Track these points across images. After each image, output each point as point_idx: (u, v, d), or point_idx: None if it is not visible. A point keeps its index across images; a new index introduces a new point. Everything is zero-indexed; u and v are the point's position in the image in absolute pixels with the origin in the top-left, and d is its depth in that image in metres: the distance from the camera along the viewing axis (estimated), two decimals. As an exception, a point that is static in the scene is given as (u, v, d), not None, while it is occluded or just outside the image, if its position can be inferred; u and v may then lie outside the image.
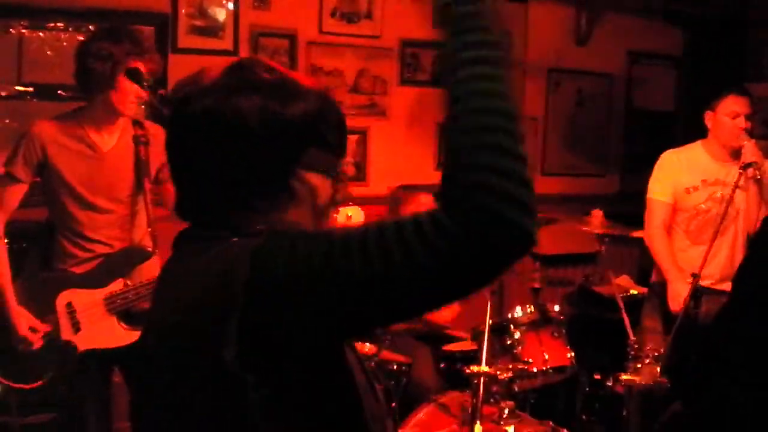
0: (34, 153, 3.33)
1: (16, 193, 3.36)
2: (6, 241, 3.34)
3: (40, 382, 3.34)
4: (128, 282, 3.40)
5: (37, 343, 3.31)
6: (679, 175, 4.49)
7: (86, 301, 3.36)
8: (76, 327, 3.35)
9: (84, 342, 3.35)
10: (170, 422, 1.33)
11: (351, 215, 3.83)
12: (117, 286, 3.39)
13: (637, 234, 4.58)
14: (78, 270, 3.40)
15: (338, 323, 1.22)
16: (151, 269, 3.46)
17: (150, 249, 3.48)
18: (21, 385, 3.35)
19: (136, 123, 3.52)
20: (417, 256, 1.12)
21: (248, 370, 1.21)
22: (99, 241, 3.42)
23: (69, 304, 3.35)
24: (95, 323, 3.36)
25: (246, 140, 1.34)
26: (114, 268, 3.41)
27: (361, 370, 1.43)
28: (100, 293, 3.37)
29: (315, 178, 1.39)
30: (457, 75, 1.19)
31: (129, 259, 3.46)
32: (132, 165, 3.47)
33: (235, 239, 1.32)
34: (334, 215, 1.48)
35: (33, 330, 3.30)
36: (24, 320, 3.30)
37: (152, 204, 3.51)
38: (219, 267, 1.26)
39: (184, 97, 1.39)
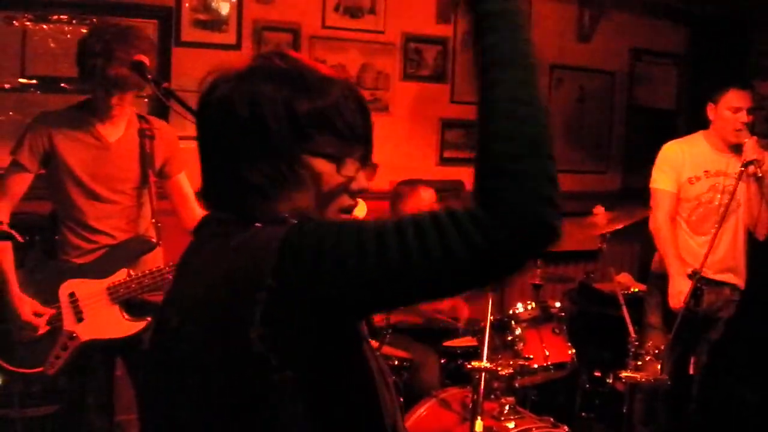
0: (40, 142, 3.33)
1: (22, 181, 3.36)
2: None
3: (39, 369, 3.34)
4: (132, 272, 3.40)
5: (42, 328, 3.31)
6: (682, 165, 4.50)
7: (89, 290, 3.36)
8: (79, 317, 3.35)
9: (86, 332, 3.36)
10: (189, 401, 1.34)
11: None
12: (120, 276, 3.39)
13: (644, 214, 4.55)
14: (81, 261, 3.41)
15: (362, 307, 1.28)
16: (154, 260, 3.48)
17: (154, 240, 3.50)
18: (22, 370, 3.35)
19: (141, 117, 3.54)
20: (454, 249, 1.16)
21: (272, 352, 1.23)
22: (103, 232, 3.42)
23: (72, 294, 3.35)
24: (98, 313, 3.37)
25: (256, 127, 1.37)
26: (118, 258, 3.41)
27: (376, 362, 1.45)
28: (103, 283, 3.38)
29: (322, 165, 1.40)
30: (493, 75, 1.23)
31: (133, 249, 3.46)
32: (137, 157, 3.47)
33: (258, 225, 1.36)
34: (352, 207, 1.48)
35: (37, 315, 3.31)
36: (27, 306, 3.30)
37: (156, 197, 3.51)
38: (248, 251, 1.29)
39: (210, 86, 1.44)
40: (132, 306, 3.42)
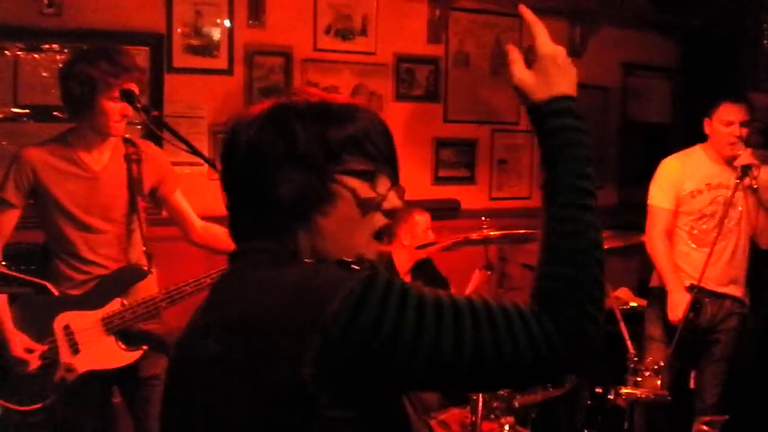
0: (24, 177, 3.32)
1: (10, 218, 3.35)
2: (4, 263, 3.33)
3: (38, 405, 3.32)
4: (125, 302, 3.39)
5: (34, 363, 3.29)
6: (682, 180, 4.51)
7: (84, 322, 3.35)
8: (75, 348, 3.34)
9: (83, 364, 3.34)
10: (229, 429, 1.33)
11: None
12: (114, 306, 3.38)
13: (641, 238, 4.56)
14: (74, 292, 3.39)
15: (412, 386, 1.36)
16: (147, 288, 3.45)
17: (146, 268, 3.48)
18: (19, 407, 3.33)
19: (128, 141, 3.52)
20: (520, 351, 1.26)
21: (322, 392, 1.24)
22: (95, 263, 3.41)
23: (66, 327, 3.33)
24: (94, 344, 3.35)
25: (290, 160, 1.41)
26: (110, 288, 3.40)
27: (409, 402, 1.48)
28: (98, 314, 3.36)
29: (355, 182, 1.44)
30: (563, 198, 1.38)
31: (125, 278, 3.44)
32: (125, 183, 3.46)
33: (309, 261, 1.42)
34: (387, 228, 1.50)
35: (29, 351, 3.29)
36: (19, 341, 3.27)
37: (146, 223, 3.50)
38: (307, 290, 1.30)
39: (233, 129, 1.49)
40: (127, 336, 3.40)
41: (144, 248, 3.50)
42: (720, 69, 6.29)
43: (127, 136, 3.52)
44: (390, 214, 1.49)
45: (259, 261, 1.42)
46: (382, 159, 1.48)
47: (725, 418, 4.12)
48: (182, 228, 3.70)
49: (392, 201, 1.49)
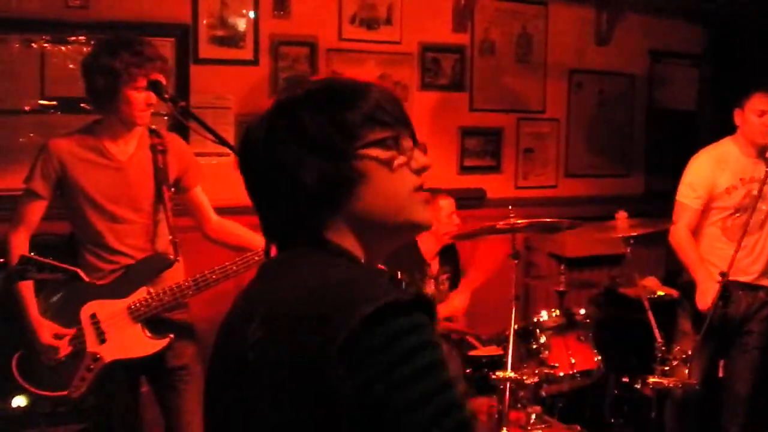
0: (51, 168, 3.35)
1: (38, 209, 3.38)
2: (32, 254, 3.35)
3: (64, 392, 3.35)
4: (151, 290, 3.40)
5: (64, 349, 3.32)
6: (716, 177, 4.45)
7: (110, 311, 3.36)
8: (101, 338, 3.36)
9: (110, 353, 3.36)
10: (262, 417, 1.33)
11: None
12: (140, 294, 3.39)
13: (668, 225, 4.54)
14: (101, 282, 3.40)
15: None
16: (174, 277, 3.46)
17: (172, 257, 3.49)
18: (46, 392, 3.36)
19: (153, 132, 3.54)
20: None
21: (343, 391, 1.22)
22: (122, 253, 3.43)
23: (93, 315, 3.36)
24: (120, 333, 3.37)
25: (312, 154, 1.40)
26: (136, 276, 3.41)
27: None
28: (124, 303, 3.38)
29: (378, 151, 1.43)
30: None
31: (151, 267, 3.45)
32: (151, 173, 3.48)
33: (352, 258, 1.42)
34: (421, 186, 1.48)
35: (57, 336, 3.31)
36: (46, 329, 3.31)
37: (172, 212, 3.52)
38: (343, 289, 1.30)
39: (246, 132, 1.49)
40: (154, 324, 3.42)
41: (170, 237, 3.51)
42: (748, 56, 6.22)
43: (153, 126, 3.54)
44: (420, 172, 1.49)
45: (303, 255, 1.42)
46: (399, 124, 1.47)
47: None
48: (199, 222, 3.73)
49: (419, 160, 1.49)
